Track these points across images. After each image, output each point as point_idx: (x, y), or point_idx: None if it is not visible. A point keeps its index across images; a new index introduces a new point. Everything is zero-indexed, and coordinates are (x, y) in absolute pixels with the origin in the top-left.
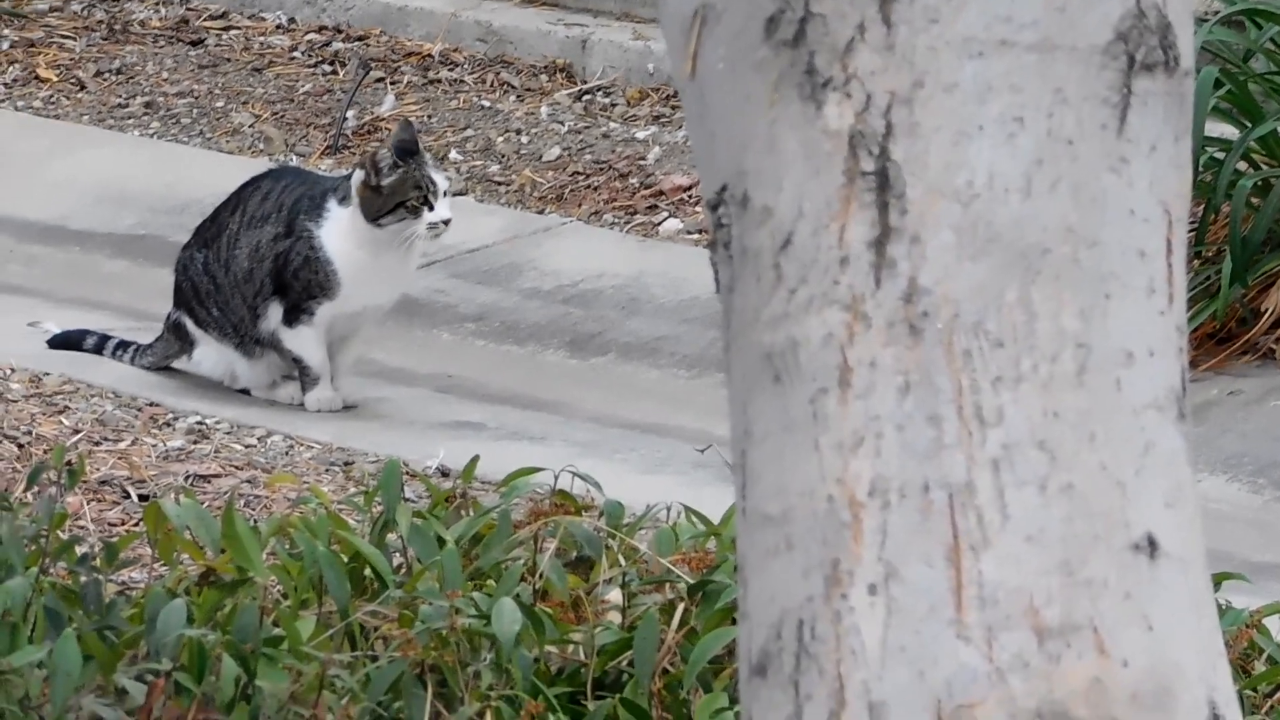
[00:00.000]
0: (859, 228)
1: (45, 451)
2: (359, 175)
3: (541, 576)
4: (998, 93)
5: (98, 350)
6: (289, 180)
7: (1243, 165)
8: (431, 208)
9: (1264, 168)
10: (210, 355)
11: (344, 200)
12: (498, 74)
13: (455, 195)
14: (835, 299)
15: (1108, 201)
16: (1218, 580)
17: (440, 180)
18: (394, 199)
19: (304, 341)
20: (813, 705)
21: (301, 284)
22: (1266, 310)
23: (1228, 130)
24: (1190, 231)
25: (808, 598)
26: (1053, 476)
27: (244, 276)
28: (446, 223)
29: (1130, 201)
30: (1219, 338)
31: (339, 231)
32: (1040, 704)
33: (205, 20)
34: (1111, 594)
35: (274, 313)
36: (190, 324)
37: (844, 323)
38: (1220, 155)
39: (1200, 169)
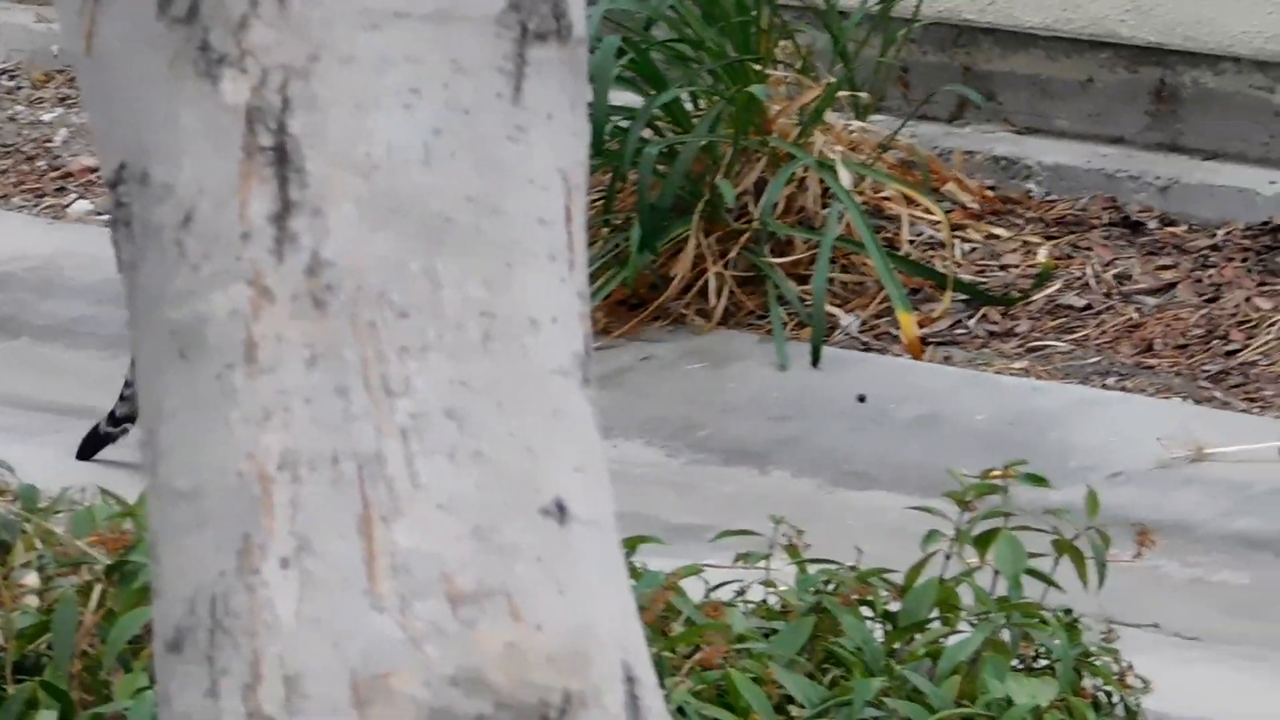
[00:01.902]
0: (260, 203)
1: None
2: None
3: None
4: (395, 64)
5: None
6: None
7: (648, 133)
8: None
9: (669, 135)
10: None
11: None
12: None
13: None
14: (239, 274)
15: (507, 170)
16: (634, 543)
17: None
18: None
19: None
20: (228, 680)
21: None
22: (676, 276)
23: (632, 99)
24: (599, 200)
25: (221, 573)
26: (462, 444)
27: None
28: None
29: (530, 170)
30: (631, 304)
31: None
32: (457, 671)
33: None
34: (524, 559)
35: None
36: None
37: (249, 298)
38: (625, 124)
39: (607, 138)
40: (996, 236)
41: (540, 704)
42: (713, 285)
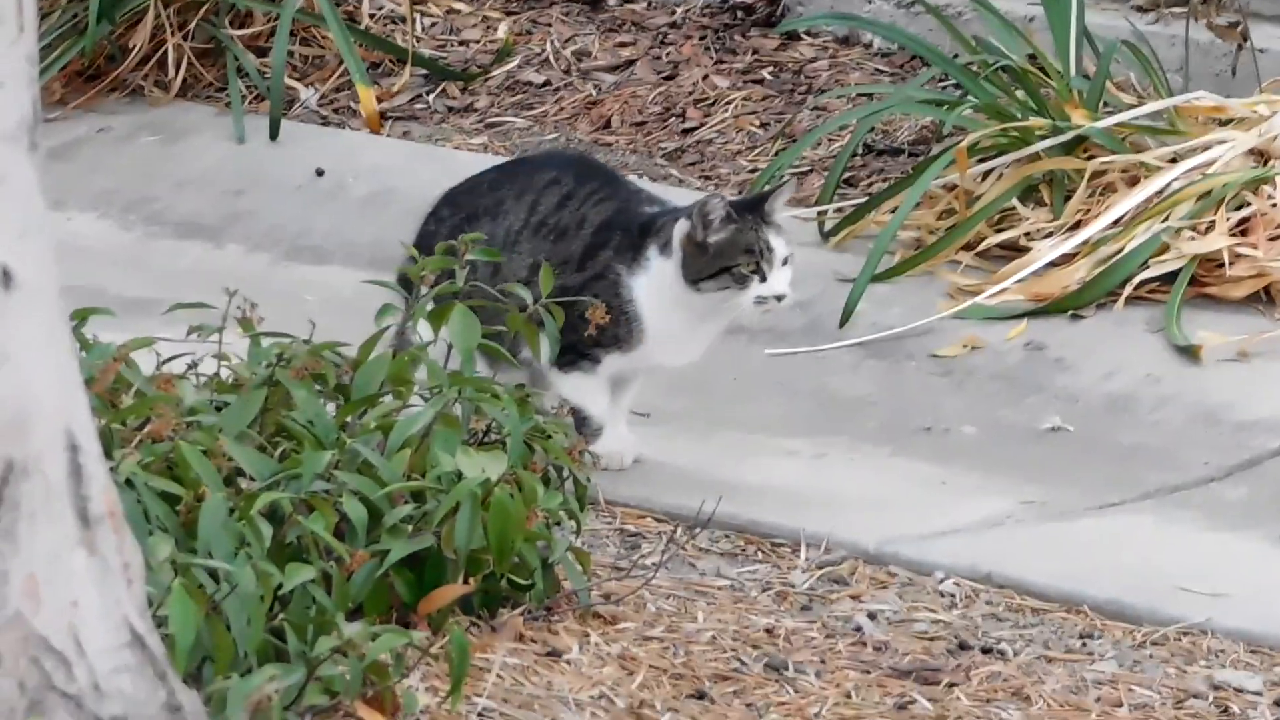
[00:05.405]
0: None
1: None
2: (683, 225)
3: None
4: None
5: None
6: (596, 186)
7: None
8: (763, 278)
9: None
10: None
11: (665, 249)
12: None
13: None
14: None
15: None
16: (84, 315)
17: (779, 246)
18: (719, 262)
19: (583, 392)
20: None
21: (593, 329)
22: (135, 47)
23: None
24: None
25: None
26: None
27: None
28: (780, 298)
29: None
30: (88, 76)
31: (654, 286)
32: None
33: None
34: None
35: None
36: None
37: None
38: None
39: None
40: (457, 11)
41: None
42: (171, 57)
